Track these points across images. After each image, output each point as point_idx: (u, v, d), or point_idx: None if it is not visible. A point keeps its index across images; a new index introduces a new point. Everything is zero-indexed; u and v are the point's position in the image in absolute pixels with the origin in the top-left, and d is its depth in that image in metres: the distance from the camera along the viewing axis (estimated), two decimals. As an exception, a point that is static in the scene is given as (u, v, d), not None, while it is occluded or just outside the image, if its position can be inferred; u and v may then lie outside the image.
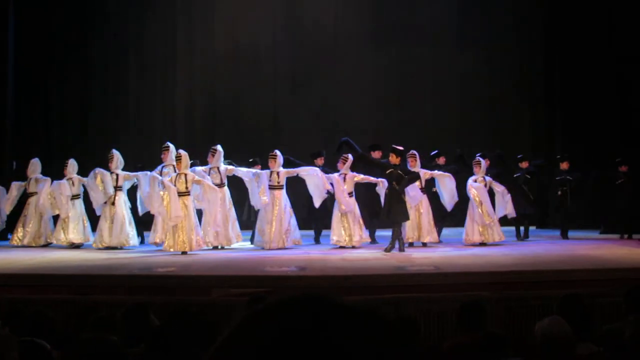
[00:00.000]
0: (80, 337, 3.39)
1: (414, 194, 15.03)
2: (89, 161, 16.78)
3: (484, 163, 15.45)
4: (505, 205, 15.43)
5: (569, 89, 19.22)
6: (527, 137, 19.45)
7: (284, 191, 15.36)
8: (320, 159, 16.19)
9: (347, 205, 15.00)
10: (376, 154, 15.97)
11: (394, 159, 14.39)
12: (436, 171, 15.56)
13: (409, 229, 15.09)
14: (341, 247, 14.89)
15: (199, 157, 16.24)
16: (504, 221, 15.85)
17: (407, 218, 14.38)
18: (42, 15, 19.56)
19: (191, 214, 14.52)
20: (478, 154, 15.79)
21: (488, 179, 15.41)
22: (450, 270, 11.50)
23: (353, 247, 14.81)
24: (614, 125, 18.32)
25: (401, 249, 14.04)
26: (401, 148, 14.58)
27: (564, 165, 16.62)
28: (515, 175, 16.66)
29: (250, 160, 16.34)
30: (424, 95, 20.13)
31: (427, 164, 16.15)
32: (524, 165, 16.83)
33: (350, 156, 15.39)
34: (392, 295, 10.12)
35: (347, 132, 19.31)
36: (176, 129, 20.24)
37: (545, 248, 14.61)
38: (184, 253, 14.21)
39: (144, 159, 17.20)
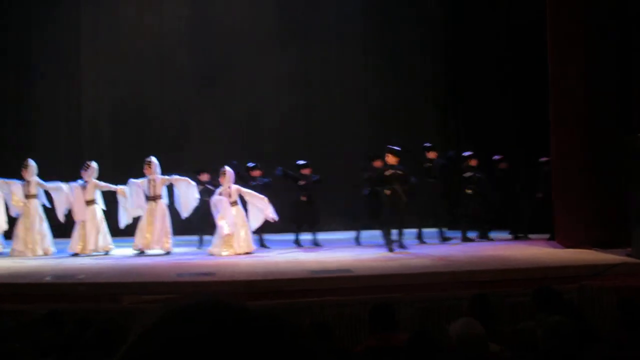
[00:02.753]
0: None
1: (140, 202, 15.43)
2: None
3: (228, 173, 15.26)
4: (262, 212, 15.41)
5: (469, 90, 19.57)
6: (434, 136, 19.56)
7: (35, 200, 15.49)
8: (204, 174, 16.39)
9: (83, 214, 15.27)
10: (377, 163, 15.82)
11: (391, 160, 14.38)
12: (174, 176, 15.64)
13: (138, 236, 15.32)
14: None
15: (104, 167, 16.08)
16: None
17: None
18: None
19: None
20: (232, 162, 15.84)
21: (235, 187, 15.31)
22: (364, 273, 11.55)
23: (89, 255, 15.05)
24: (509, 124, 18.62)
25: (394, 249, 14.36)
26: (398, 148, 14.62)
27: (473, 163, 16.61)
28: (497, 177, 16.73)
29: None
30: (332, 96, 20.18)
31: (420, 156, 16.43)
32: (503, 166, 16.79)
33: (92, 164, 15.59)
34: (304, 300, 10.16)
35: (256, 135, 19.38)
36: (80, 137, 19.92)
37: (457, 249, 14.77)
38: None
39: (48, 168, 16.77)
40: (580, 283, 10.60)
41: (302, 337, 1.09)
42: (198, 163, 17.20)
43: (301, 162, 16.31)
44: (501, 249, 14.64)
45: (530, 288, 8.44)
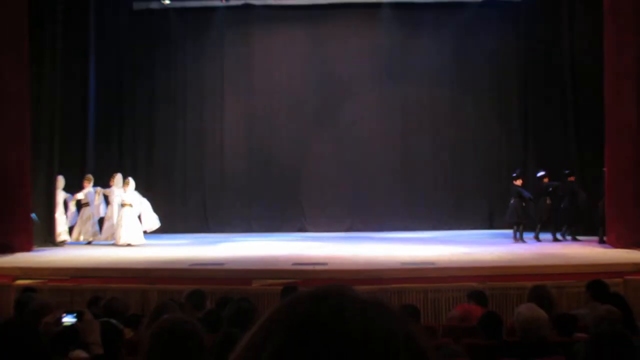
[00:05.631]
0: (164, 318, 3.29)
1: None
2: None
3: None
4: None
5: (539, 119, 19.19)
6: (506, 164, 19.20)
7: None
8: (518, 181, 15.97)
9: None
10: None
11: None
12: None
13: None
14: None
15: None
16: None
17: None
18: (117, 55, 19.79)
19: None
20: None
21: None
22: (445, 265, 11.52)
23: None
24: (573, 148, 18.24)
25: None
26: None
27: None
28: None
29: None
30: (423, 132, 19.94)
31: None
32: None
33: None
34: (396, 286, 10.28)
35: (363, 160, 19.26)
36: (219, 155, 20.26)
37: (523, 248, 14.54)
38: None
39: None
40: (625, 277, 10.42)
41: (404, 318, 1.13)
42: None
43: (541, 172, 16.28)
44: (561, 248, 14.36)
45: (584, 281, 8.34)
